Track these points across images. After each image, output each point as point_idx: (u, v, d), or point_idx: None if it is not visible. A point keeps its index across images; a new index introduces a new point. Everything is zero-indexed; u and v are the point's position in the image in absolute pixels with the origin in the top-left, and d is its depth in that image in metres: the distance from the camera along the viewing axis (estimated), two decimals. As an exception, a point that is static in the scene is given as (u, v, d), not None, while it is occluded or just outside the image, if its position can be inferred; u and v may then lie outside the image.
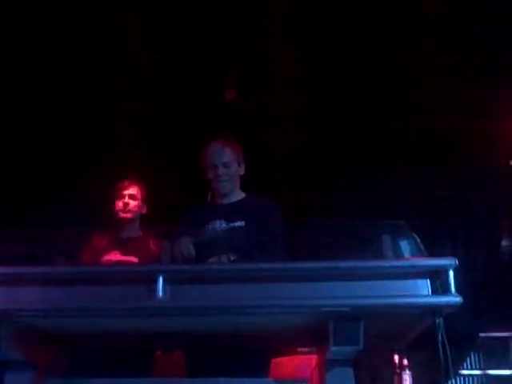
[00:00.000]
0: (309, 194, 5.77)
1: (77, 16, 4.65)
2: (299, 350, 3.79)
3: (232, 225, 2.87)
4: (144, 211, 3.65)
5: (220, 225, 2.88)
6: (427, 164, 5.49)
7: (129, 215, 3.57)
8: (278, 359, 3.10)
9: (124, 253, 3.41)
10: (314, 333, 2.05)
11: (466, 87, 5.06)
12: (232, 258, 2.68)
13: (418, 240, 1.97)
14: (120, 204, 3.57)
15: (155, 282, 1.86)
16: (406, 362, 4.74)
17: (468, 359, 5.84)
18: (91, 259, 3.42)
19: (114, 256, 3.40)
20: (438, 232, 5.10)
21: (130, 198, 3.59)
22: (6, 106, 5.21)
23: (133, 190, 3.63)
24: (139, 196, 3.64)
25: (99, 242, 3.53)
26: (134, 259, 3.37)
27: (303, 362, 3.45)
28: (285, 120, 5.38)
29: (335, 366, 2.05)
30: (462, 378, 5.77)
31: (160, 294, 1.85)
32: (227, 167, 2.97)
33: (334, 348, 1.90)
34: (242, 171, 3.06)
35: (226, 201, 3.03)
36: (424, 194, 5.54)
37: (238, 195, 3.06)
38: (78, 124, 5.60)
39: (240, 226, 2.86)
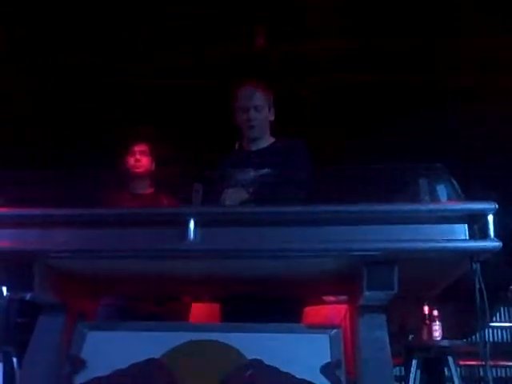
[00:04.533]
0: (344, 139, 5.75)
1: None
2: (327, 299, 3.80)
3: (260, 172, 2.84)
4: (153, 168, 3.84)
5: (248, 173, 2.86)
6: (466, 110, 5.40)
7: (141, 170, 3.77)
8: (307, 309, 3.10)
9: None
10: (347, 278, 2.02)
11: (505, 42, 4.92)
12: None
13: (456, 184, 1.91)
14: (132, 160, 3.78)
15: (186, 224, 1.83)
16: (435, 312, 4.72)
17: (498, 311, 5.81)
18: None
19: None
20: (474, 179, 5.02)
21: (141, 154, 3.80)
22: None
23: (142, 147, 3.83)
24: (148, 152, 3.85)
25: (112, 199, 3.71)
26: None
27: (332, 311, 3.46)
28: (320, 65, 5.29)
29: (368, 311, 2.02)
30: (491, 330, 5.75)
31: (191, 236, 1.82)
32: (258, 111, 2.94)
33: (367, 293, 1.86)
34: (271, 116, 3.03)
35: (254, 147, 3.00)
36: (460, 138, 5.47)
37: (267, 141, 3.03)
38: (107, 74, 5.59)
39: (268, 173, 2.83)
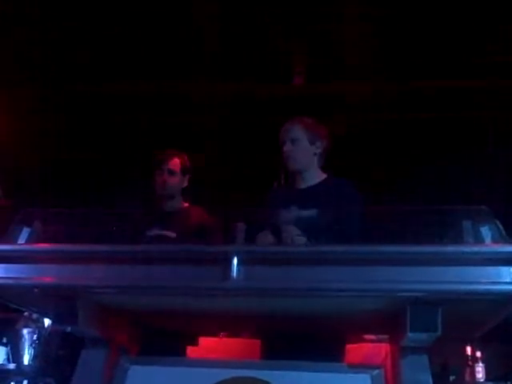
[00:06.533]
0: (384, 178, 5.73)
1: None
2: (367, 338, 3.75)
3: (305, 213, 2.81)
4: (185, 184, 3.58)
5: (292, 212, 2.84)
6: (509, 151, 5.36)
7: (167, 192, 3.52)
8: (347, 346, 3.07)
9: (163, 227, 3.36)
10: (389, 319, 2.01)
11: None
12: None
13: (501, 226, 1.88)
14: (159, 181, 3.52)
15: (229, 262, 1.84)
16: (479, 353, 4.62)
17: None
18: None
19: (153, 231, 3.35)
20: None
21: (169, 174, 3.52)
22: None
23: (172, 165, 3.54)
24: (179, 170, 3.55)
25: (143, 218, 3.46)
26: (172, 234, 3.33)
27: (372, 350, 3.41)
28: (362, 107, 5.32)
29: (411, 353, 2.00)
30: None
31: (234, 274, 1.83)
32: (294, 144, 2.91)
33: (410, 334, 1.84)
34: (316, 150, 2.97)
35: (302, 185, 2.97)
36: (504, 179, 5.41)
37: (316, 177, 2.98)
38: (146, 109, 5.69)
39: (314, 214, 2.80)
